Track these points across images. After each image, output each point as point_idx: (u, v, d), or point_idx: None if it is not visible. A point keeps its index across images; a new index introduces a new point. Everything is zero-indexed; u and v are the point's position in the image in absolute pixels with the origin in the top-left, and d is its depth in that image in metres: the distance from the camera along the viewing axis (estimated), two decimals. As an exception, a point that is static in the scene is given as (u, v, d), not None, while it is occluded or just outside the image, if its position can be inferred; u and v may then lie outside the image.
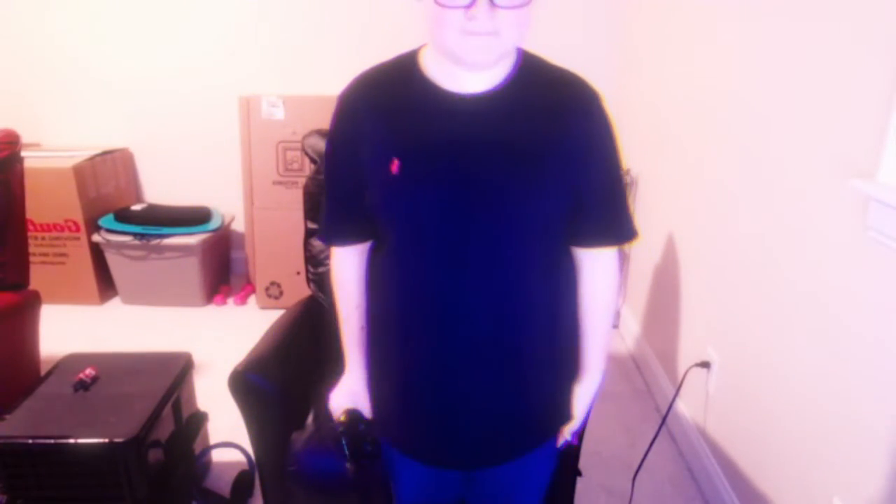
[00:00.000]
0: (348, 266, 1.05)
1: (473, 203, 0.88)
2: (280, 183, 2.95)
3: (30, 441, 1.46)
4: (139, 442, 1.47)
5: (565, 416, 1.08)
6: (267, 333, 1.55)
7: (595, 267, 1.00)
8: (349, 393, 1.12)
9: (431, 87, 0.90)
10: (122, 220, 2.97)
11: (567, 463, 1.42)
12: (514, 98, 0.89)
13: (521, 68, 0.90)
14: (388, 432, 1.08)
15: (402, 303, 0.98)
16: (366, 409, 1.12)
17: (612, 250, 1.01)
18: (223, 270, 3.33)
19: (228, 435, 1.87)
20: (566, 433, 1.10)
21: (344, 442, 1.09)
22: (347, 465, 1.09)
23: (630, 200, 2.75)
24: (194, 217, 3.04)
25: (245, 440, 1.48)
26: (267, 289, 3.04)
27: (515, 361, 0.97)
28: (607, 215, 0.97)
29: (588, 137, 0.91)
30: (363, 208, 0.95)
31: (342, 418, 1.11)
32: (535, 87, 0.90)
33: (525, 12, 0.81)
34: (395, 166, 0.88)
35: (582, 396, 1.08)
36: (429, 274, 0.93)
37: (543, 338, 0.99)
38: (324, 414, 1.19)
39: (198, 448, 1.83)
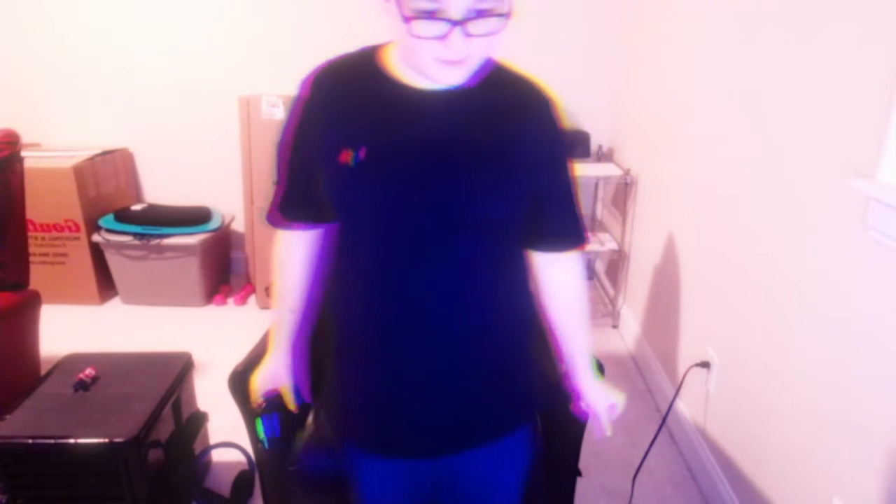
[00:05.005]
0: (291, 248, 1.07)
1: (429, 198, 0.89)
2: (280, 183, 2.95)
3: (30, 441, 1.46)
4: (139, 442, 1.48)
5: (530, 407, 1.10)
6: (267, 333, 1.55)
7: (557, 270, 1.04)
8: (271, 374, 1.14)
9: (393, 82, 0.90)
10: (122, 220, 2.97)
11: (567, 463, 1.42)
12: (475, 98, 0.90)
13: (485, 70, 0.90)
14: (353, 430, 1.07)
15: (358, 291, 0.98)
16: (288, 392, 1.13)
17: (572, 253, 1.04)
18: (223, 270, 3.33)
19: (228, 435, 1.86)
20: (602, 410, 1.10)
21: (263, 423, 1.11)
22: (259, 445, 1.12)
23: (630, 200, 2.75)
24: (194, 217, 3.04)
25: (245, 440, 1.48)
26: (267, 289, 3.04)
27: (469, 347, 0.98)
28: (564, 220, 1.01)
29: (542, 142, 0.93)
30: (312, 195, 0.97)
31: (262, 401, 1.13)
32: (496, 89, 0.91)
33: (497, 36, 0.82)
34: (350, 156, 0.88)
35: (589, 390, 1.10)
36: (382, 263, 0.93)
37: (497, 325, 1.00)
38: (321, 416, 1.20)
39: (198, 448, 1.83)
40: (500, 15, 0.80)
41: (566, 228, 1.01)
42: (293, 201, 1.03)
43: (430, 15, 0.77)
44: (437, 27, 0.77)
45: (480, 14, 0.78)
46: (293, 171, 1.01)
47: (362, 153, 0.88)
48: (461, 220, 0.90)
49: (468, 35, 0.78)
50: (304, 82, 0.96)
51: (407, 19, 0.77)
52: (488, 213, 0.91)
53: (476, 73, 0.88)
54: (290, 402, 1.15)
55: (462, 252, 0.92)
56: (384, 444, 1.04)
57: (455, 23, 0.77)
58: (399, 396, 1.00)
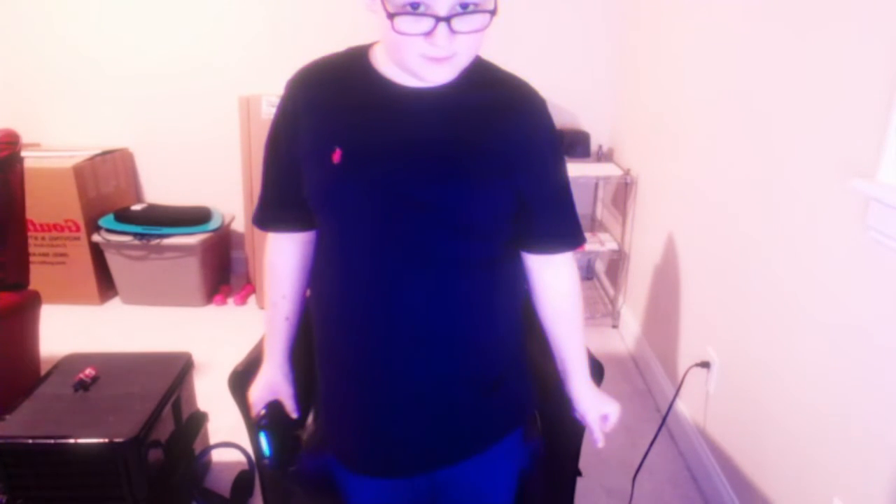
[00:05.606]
0: (282, 253, 1.05)
1: (418, 197, 0.87)
2: (280, 183, 2.95)
3: (30, 441, 1.46)
4: (139, 442, 1.48)
5: (520, 412, 1.08)
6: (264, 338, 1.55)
7: (550, 272, 1.02)
8: (268, 385, 1.11)
9: (381, 80, 0.89)
10: (122, 220, 2.97)
11: (567, 463, 1.42)
12: (464, 96, 0.89)
13: (472, 69, 0.89)
14: (341, 452, 1.04)
15: (341, 298, 0.96)
16: (288, 401, 1.11)
17: (566, 255, 1.02)
18: (223, 270, 3.33)
19: (228, 435, 1.86)
20: (597, 429, 1.09)
21: (265, 437, 1.07)
22: (265, 461, 1.08)
23: (629, 200, 2.75)
24: (194, 217, 3.04)
25: (245, 440, 1.48)
26: (267, 289, 3.03)
27: (461, 353, 0.95)
28: (556, 220, 0.98)
29: (531, 141, 0.92)
30: (298, 196, 0.95)
31: (262, 412, 1.10)
32: (484, 88, 0.90)
33: (482, 33, 0.81)
34: (336, 156, 0.87)
35: (581, 398, 1.09)
36: (368, 266, 0.91)
37: (490, 329, 0.98)
38: (322, 417, 1.19)
39: (198, 448, 1.83)
40: (486, 11, 0.79)
41: (559, 229, 0.99)
42: (271, 205, 1.02)
43: (415, 11, 0.76)
44: (421, 23, 0.77)
45: (465, 10, 0.77)
46: (271, 173, 1.00)
47: (349, 152, 0.87)
48: (450, 220, 0.89)
49: (453, 31, 0.77)
50: (288, 84, 0.95)
51: (391, 16, 0.76)
52: (477, 213, 0.90)
53: (464, 72, 0.87)
54: (292, 412, 1.13)
55: (452, 253, 0.90)
56: (374, 465, 1.01)
57: (440, 19, 0.76)
58: (388, 413, 0.97)
